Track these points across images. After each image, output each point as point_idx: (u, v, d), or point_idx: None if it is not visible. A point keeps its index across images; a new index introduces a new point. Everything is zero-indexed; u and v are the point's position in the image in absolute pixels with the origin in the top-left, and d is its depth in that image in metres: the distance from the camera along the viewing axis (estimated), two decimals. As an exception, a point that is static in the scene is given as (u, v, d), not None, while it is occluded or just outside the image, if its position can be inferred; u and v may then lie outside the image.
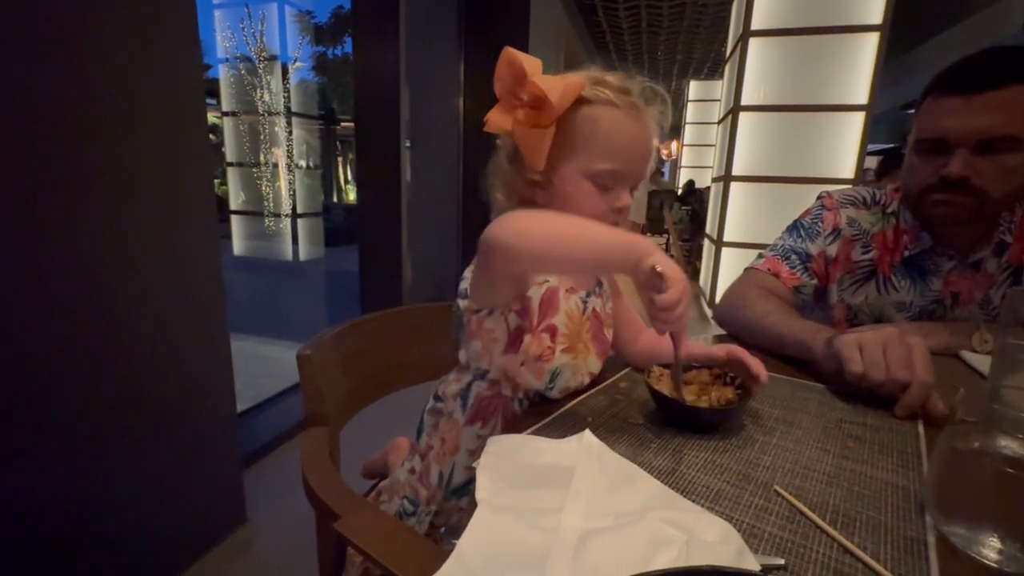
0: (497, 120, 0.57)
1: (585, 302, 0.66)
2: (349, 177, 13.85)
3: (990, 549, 0.35)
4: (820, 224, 0.94)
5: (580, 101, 0.57)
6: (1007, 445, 0.39)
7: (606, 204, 0.59)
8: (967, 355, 0.77)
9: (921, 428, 0.55)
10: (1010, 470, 0.35)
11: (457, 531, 0.37)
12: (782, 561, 0.35)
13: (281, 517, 1.41)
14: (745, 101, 3.28)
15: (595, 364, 0.67)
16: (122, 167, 0.97)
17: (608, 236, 0.48)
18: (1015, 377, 0.47)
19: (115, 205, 0.96)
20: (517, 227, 0.49)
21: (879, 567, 0.34)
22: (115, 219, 0.97)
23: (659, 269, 0.44)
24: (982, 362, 0.72)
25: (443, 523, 0.65)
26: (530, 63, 0.55)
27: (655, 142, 0.61)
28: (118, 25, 0.94)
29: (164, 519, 1.12)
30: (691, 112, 8.35)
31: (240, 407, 1.94)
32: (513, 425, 0.61)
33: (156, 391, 1.07)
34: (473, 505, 0.40)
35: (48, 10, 0.83)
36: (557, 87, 0.54)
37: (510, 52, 0.55)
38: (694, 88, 8.29)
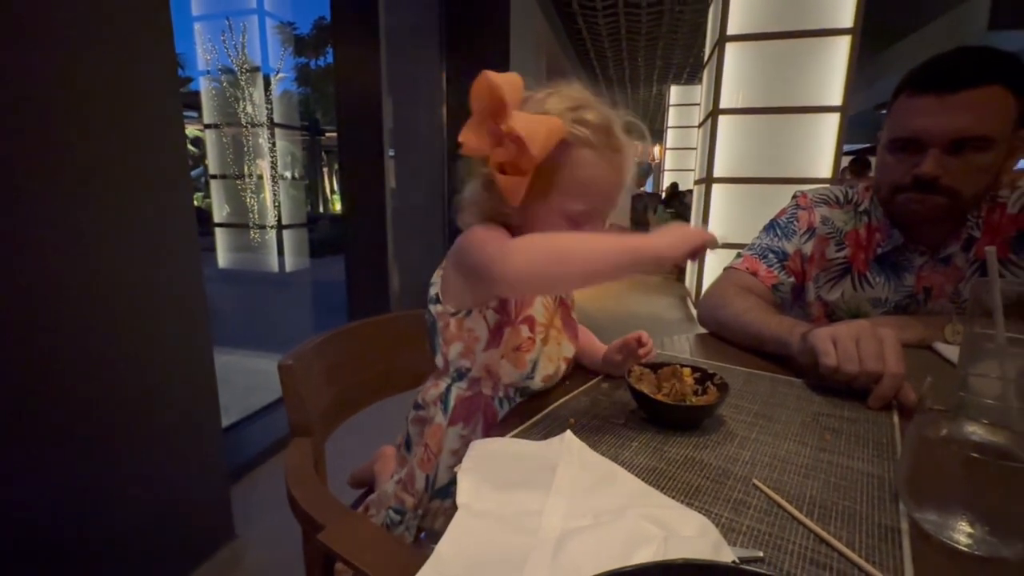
0: (474, 145, 0.55)
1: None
2: (335, 187, 13.79)
3: (960, 533, 0.36)
4: (795, 223, 0.96)
5: (560, 141, 0.55)
6: (974, 431, 0.40)
7: None
8: (940, 346, 0.79)
9: (896, 418, 0.57)
10: (977, 455, 0.36)
11: (437, 536, 0.37)
12: (760, 553, 0.35)
13: (270, 531, 1.39)
14: (724, 104, 3.34)
15: (568, 348, 0.69)
16: (97, 180, 0.96)
17: (620, 242, 0.48)
18: (981, 365, 0.48)
19: (90, 218, 0.95)
20: (535, 249, 0.50)
21: (853, 555, 0.35)
22: (91, 232, 0.95)
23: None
24: (954, 353, 0.74)
25: (429, 526, 0.65)
26: (510, 87, 0.52)
27: (630, 177, 0.61)
28: (96, 34, 0.93)
29: (149, 537, 1.09)
30: (672, 116, 8.47)
31: (228, 421, 1.92)
32: (495, 424, 0.62)
33: (137, 407, 1.05)
34: (455, 508, 0.40)
35: (25, 19, 0.82)
36: (538, 135, 0.52)
37: (488, 77, 0.52)
38: (675, 92, 8.41)
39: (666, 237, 0.47)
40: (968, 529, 0.36)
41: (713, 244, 0.48)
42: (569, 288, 0.65)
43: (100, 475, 0.99)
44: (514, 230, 0.62)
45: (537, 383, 0.64)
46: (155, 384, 1.09)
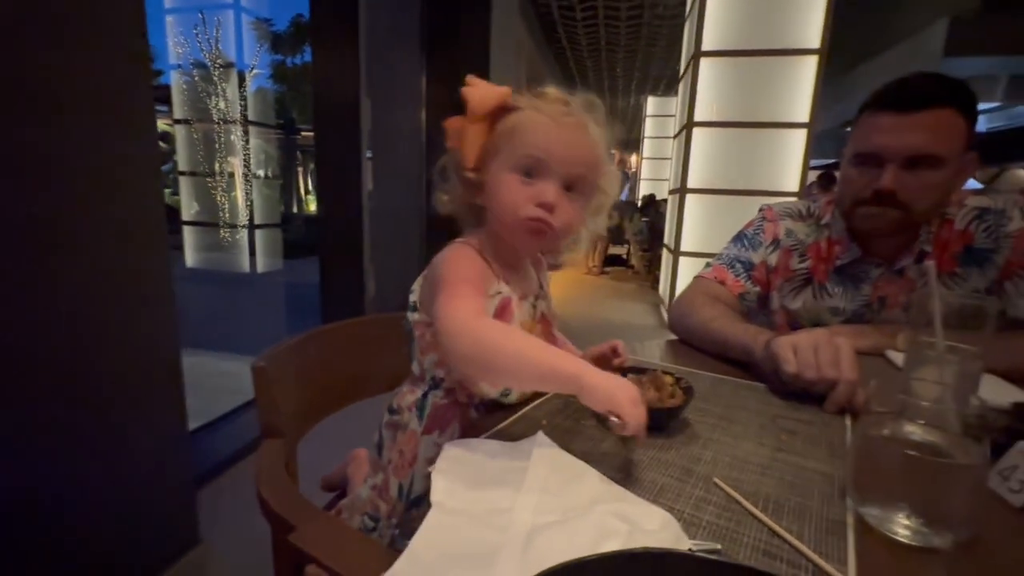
0: (446, 126, 0.61)
1: (534, 306, 0.68)
2: (309, 187, 13.57)
3: (899, 526, 0.39)
4: (762, 235, 1.01)
5: (511, 109, 0.59)
6: (913, 431, 0.44)
7: (529, 194, 0.58)
8: (892, 354, 0.84)
9: (848, 421, 0.60)
10: (913, 453, 0.39)
11: (412, 534, 0.38)
12: (718, 546, 0.37)
13: (238, 537, 1.36)
14: (698, 117, 3.43)
15: None
16: (63, 173, 0.93)
17: (557, 363, 0.49)
18: (923, 370, 0.52)
19: (54, 212, 0.92)
20: (478, 344, 0.50)
21: (802, 547, 0.37)
22: (55, 226, 0.92)
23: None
24: (904, 360, 0.79)
25: (404, 534, 0.65)
26: (477, 81, 0.59)
27: (590, 146, 0.60)
28: (65, 26, 0.91)
29: (109, 543, 1.06)
30: (649, 127, 8.66)
31: (196, 424, 1.87)
32: (470, 430, 0.62)
33: (101, 408, 1.02)
34: (428, 510, 0.41)
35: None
36: (477, 92, 0.58)
37: (469, 77, 0.59)
38: (651, 104, 8.60)
39: (603, 383, 0.46)
40: (905, 521, 0.39)
41: (629, 424, 0.45)
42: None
43: (58, 481, 0.96)
44: (481, 212, 0.64)
45: (513, 399, 0.64)
46: (120, 385, 1.06)
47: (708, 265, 1.04)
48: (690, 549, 0.33)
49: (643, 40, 6.46)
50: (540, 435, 0.50)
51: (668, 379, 0.61)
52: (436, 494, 0.42)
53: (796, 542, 0.37)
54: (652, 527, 0.37)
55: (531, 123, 0.59)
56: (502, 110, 0.59)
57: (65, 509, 0.97)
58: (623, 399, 0.45)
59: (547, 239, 0.60)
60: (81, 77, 0.95)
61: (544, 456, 0.47)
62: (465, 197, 0.64)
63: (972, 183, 3.34)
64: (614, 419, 0.45)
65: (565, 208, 0.59)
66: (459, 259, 0.59)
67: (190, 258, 5.59)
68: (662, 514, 0.39)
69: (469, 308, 0.53)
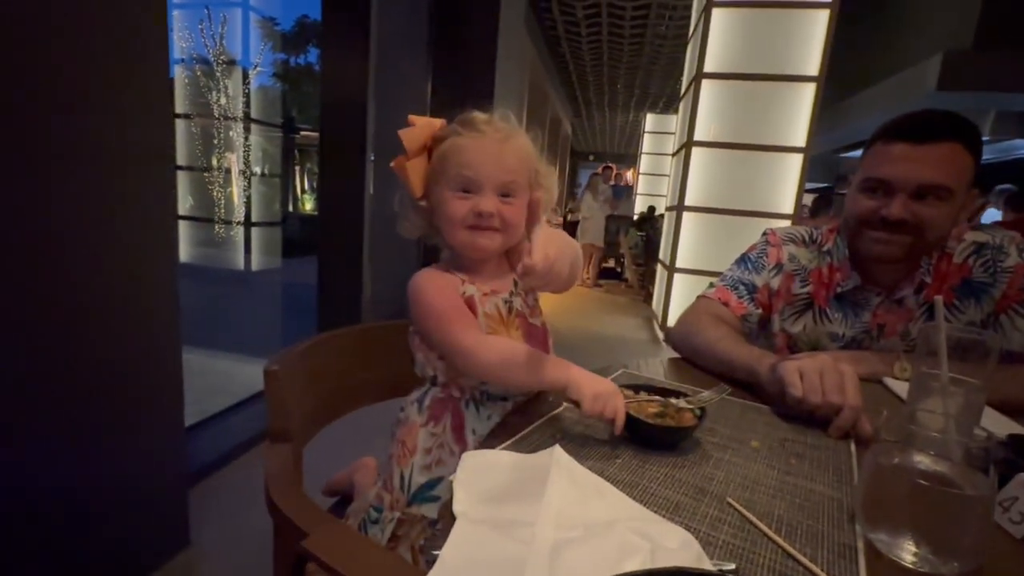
0: (393, 166, 0.70)
1: (508, 302, 0.71)
2: (306, 187, 13.52)
3: (906, 552, 0.41)
4: (765, 258, 1.03)
5: (441, 139, 0.68)
6: (921, 461, 0.45)
7: (468, 208, 0.66)
8: (889, 381, 0.86)
9: (852, 447, 0.62)
10: (923, 482, 0.40)
11: (438, 543, 0.38)
12: (734, 566, 0.38)
13: (227, 540, 1.34)
14: (698, 137, 3.49)
15: None
16: (67, 167, 0.93)
17: (546, 372, 0.61)
18: (928, 401, 0.54)
19: (56, 208, 0.92)
20: (489, 363, 0.63)
21: (817, 570, 0.38)
22: (57, 223, 0.92)
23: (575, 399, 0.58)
24: (901, 388, 0.81)
25: (406, 533, 0.66)
26: (414, 119, 0.68)
27: (515, 152, 0.68)
28: (86, 17, 0.92)
29: (102, 543, 1.05)
30: (647, 143, 8.75)
31: (185, 423, 1.84)
32: (461, 424, 0.69)
33: (98, 408, 1.01)
34: (444, 516, 0.42)
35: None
36: (409, 132, 0.67)
37: (410, 117, 0.69)
38: (650, 121, 8.70)
39: (592, 386, 0.57)
40: (913, 548, 0.40)
41: (616, 426, 0.56)
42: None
43: (58, 476, 0.95)
44: (436, 231, 0.72)
45: (500, 390, 0.69)
46: (119, 382, 1.05)
47: (711, 285, 1.06)
48: (720, 569, 0.34)
49: (644, 58, 6.57)
50: (557, 448, 0.51)
51: (681, 400, 0.63)
52: (458, 504, 0.43)
53: (811, 565, 0.39)
54: (673, 545, 0.38)
55: (458, 147, 0.66)
56: (434, 142, 0.68)
57: (66, 509, 0.96)
58: (586, 392, 0.56)
59: (495, 241, 0.68)
60: (95, 71, 0.95)
61: (562, 471, 0.48)
62: (422, 222, 0.72)
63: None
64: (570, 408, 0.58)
65: (504, 212, 0.67)
66: (433, 291, 0.67)
67: (183, 253, 5.53)
68: (681, 532, 0.40)
69: (470, 338, 0.63)
